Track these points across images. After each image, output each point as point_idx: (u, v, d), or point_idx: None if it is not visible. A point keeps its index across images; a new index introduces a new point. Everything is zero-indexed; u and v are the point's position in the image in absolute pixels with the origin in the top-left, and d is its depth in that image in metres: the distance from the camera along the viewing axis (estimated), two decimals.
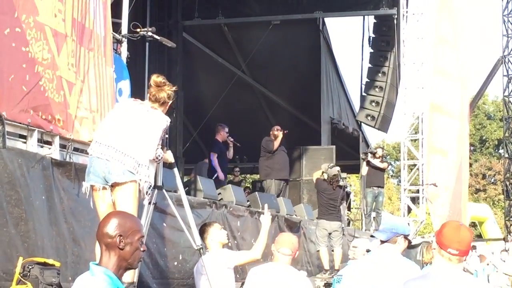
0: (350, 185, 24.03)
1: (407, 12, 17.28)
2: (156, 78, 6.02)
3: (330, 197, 11.79)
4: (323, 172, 11.98)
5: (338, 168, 12.05)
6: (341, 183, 11.98)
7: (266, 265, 6.11)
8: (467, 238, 3.63)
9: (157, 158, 5.90)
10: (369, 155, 15.80)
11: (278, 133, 14.20)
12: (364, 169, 15.80)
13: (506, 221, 27.90)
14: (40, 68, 6.94)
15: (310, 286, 6.09)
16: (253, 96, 21.15)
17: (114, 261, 3.20)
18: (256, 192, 13.02)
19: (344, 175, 12.99)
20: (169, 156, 6.27)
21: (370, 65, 19.13)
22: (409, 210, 17.30)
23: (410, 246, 15.91)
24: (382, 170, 15.94)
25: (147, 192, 5.92)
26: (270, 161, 14.20)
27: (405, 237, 5.29)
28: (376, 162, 15.67)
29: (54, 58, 7.15)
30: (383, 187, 16.08)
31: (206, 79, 20.41)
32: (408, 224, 17.16)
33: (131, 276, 5.91)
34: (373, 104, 18.80)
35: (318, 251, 11.83)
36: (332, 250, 11.72)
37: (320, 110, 19.36)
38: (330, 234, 11.72)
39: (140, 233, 3.28)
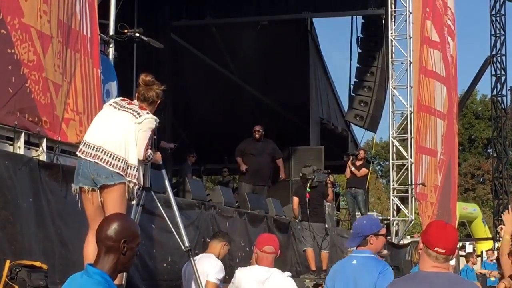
0: (340, 185, 24.01)
1: (395, 12, 17.29)
2: (144, 77, 6.01)
3: (305, 199, 11.73)
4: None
5: (313, 168, 11.93)
6: (314, 183, 11.80)
7: (251, 267, 6.12)
8: (453, 236, 3.63)
9: (147, 158, 5.88)
10: (351, 157, 15.84)
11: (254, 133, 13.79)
12: (347, 172, 15.85)
13: (495, 221, 27.98)
14: (26, 70, 6.90)
15: (294, 286, 6.09)
16: (242, 97, 21.13)
17: (111, 264, 3.16)
18: (245, 193, 12.98)
19: (325, 176, 12.68)
20: (159, 157, 6.25)
21: (358, 65, 19.17)
22: (398, 210, 17.30)
23: (399, 246, 15.98)
24: (362, 176, 15.98)
25: (137, 194, 5.90)
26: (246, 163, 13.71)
27: (375, 234, 5.15)
28: (356, 165, 15.70)
29: (40, 60, 7.11)
30: (361, 188, 16.02)
31: (194, 79, 20.38)
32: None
33: (119, 278, 5.89)
34: (362, 104, 18.82)
35: (304, 250, 11.79)
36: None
37: (309, 110, 19.37)
38: (314, 235, 11.66)
39: (139, 238, 3.25)
